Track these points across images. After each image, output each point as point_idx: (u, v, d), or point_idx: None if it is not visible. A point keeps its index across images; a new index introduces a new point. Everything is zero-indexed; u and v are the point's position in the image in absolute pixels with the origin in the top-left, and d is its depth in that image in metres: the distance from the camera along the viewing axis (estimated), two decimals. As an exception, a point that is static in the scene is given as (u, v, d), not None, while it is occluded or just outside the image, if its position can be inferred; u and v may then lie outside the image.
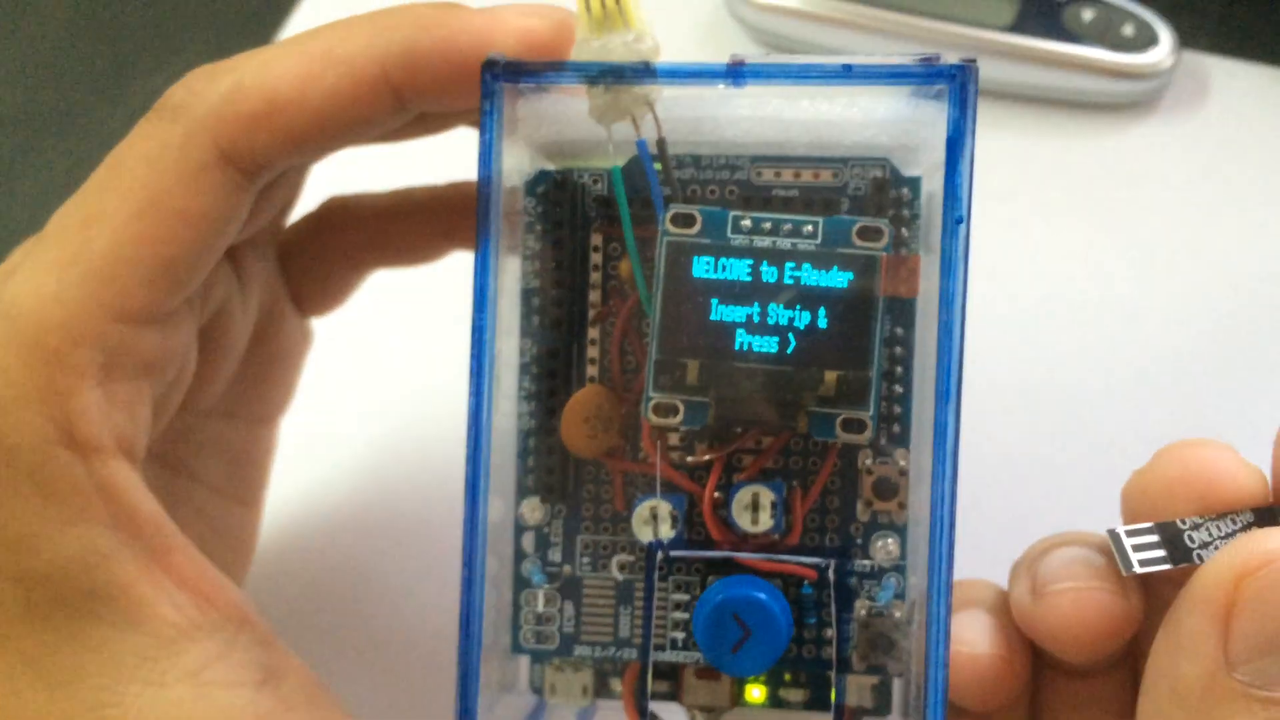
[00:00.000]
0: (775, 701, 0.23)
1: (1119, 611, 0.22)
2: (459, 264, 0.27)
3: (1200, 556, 0.20)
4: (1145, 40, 0.38)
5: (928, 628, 0.20)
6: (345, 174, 0.29)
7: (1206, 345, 0.36)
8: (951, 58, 0.40)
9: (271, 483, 0.31)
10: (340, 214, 0.29)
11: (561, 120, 0.22)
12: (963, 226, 0.20)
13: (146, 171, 0.22)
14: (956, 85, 0.20)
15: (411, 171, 0.29)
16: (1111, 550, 0.21)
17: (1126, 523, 0.22)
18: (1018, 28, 0.38)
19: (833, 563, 0.21)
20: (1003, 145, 0.39)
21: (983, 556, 0.24)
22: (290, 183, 0.25)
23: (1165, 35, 0.38)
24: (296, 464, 0.33)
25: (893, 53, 0.25)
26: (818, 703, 0.23)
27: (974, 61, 0.20)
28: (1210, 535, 0.21)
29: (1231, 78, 0.40)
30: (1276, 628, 0.19)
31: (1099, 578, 0.22)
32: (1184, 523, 0.21)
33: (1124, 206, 0.38)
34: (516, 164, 0.22)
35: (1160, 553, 0.21)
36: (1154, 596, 0.23)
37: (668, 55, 0.21)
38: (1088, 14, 0.38)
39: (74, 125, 0.23)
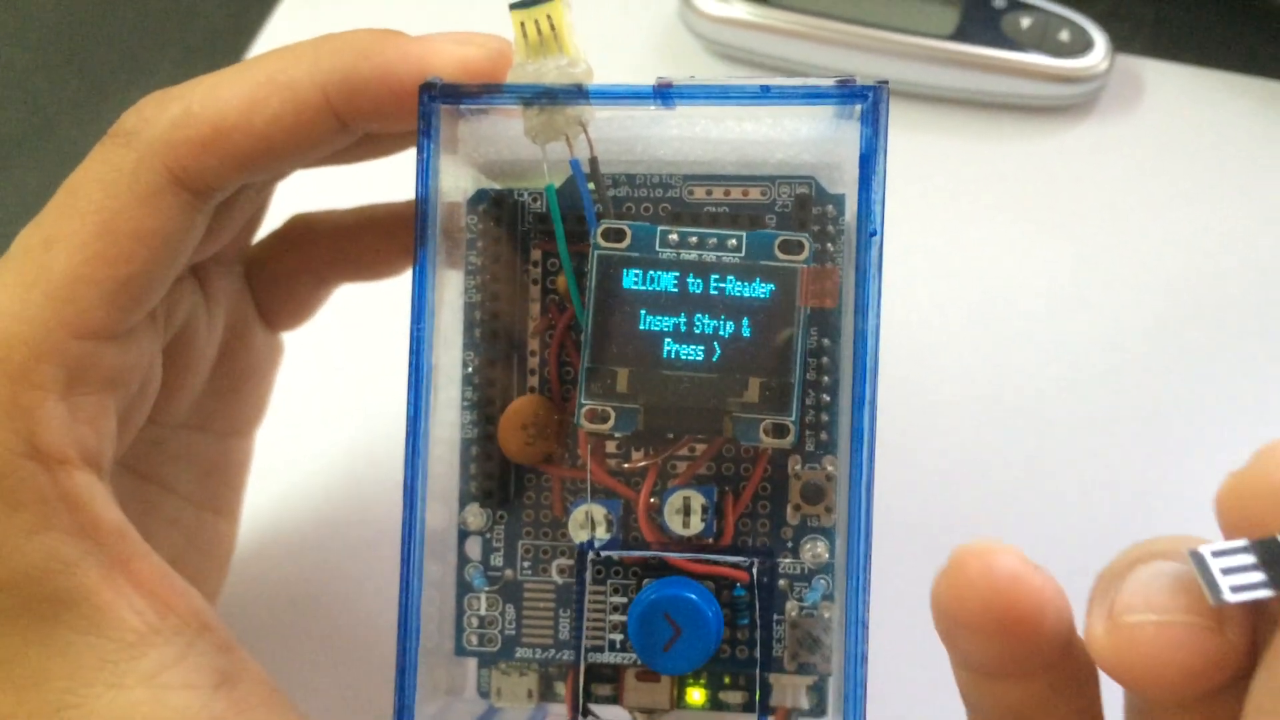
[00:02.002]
0: (715, 704, 0.24)
1: (1212, 650, 0.18)
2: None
3: None
4: (1081, 45, 0.39)
5: (846, 626, 0.21)
6: (312, 193, 0.31)
7: (1144, 339, 0.37)
8: (889, 70, 0.41)
9: (249, 492, 0.32)
10: (304, 231, 0.30)
11: (501, 141, 0.23)
12: (876, 239, 0.21)
13: (101, 195, 0.23)
14: (869, 104, 0.21)
15: (374, 190, 0.30)
16: (1196, 576, 0.17)
17: (1226, 538, 0.18)
18: (959, 35, 0.39)
19: (756, 561, 0.22)
20: (946, 148, 0.40)
21: (933, 558, 0.22)
22: (250, 202, 0.26)
23: (1100, 40, 0.40)
24: (273, 474, 0.34)
25: (835, 63, 0.25)
26: (758, 705, 0.24)
27: (885, 83, 0.21)
28: None
29: (1165, 79, 0.41)
30: None
31: (1187, 609, 0.18)
32: None
33: (1063, 205, 0.39)
34: (458, 182, 0.23)
35: (1259, 576, 0.17)
36: (1267, 621, 0.18)
37: (623, 68, 0.22)
38: (1026, 21, 0.40)
39: (45, 146, 0.24)
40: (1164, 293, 0.37)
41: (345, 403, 0.36)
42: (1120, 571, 0.19)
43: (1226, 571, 0.17)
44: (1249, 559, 0.17)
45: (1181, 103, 0.41)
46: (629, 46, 0.43)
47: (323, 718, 0.31)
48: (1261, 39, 0.42)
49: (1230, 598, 0.17)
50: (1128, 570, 0.19)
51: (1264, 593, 0.17)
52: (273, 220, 0.30)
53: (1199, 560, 0.17)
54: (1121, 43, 0.41)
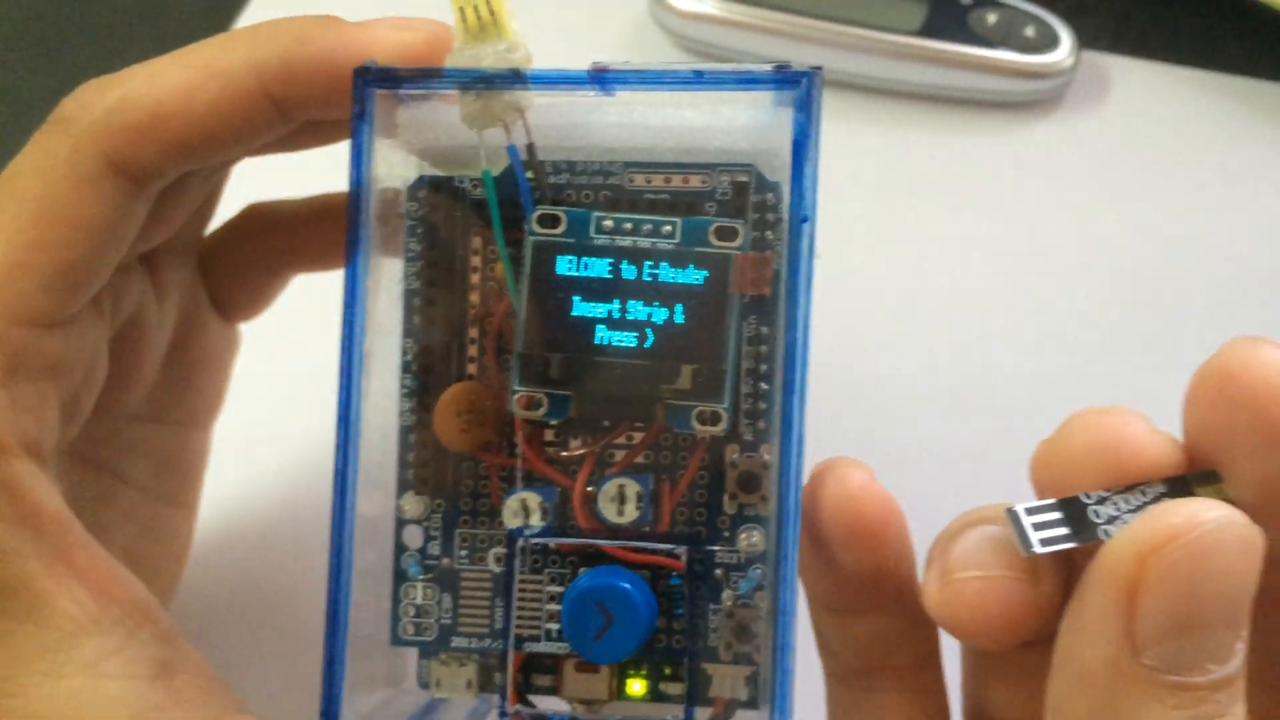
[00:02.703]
0: (656, 695, 0.24)
1: (1028, 601, 0.20)
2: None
3: (1106, 533, 0.19)
4: (1047, 41, 0.40)
5: (775, 615, 0.20)
6: (267, 183, 0.30)
7: (1108, 332, 0.37)
8: (856, 66, 0.41)
9: (209, 485, 0.32)
10: (258, 221, 0.30)
11: (441, 128, 0.23)
12: (808, 225, 0.20)
13: (39, 182, 0.23)
14: (802, 90, 0.21)
15: (328, 180, 0.30)
16: (1010, 531, 0.19)
17: (1038, 497, 0.20)
18: (926, 31, 0.40)
19: (686, 549, 0.22)
20: (912, 143, 0.40)
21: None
22: (196, 190, 0.26)
23: (1065, 36, 0.40)
24: (233, 466, 0.34)
25: (803, 58, 0.26)
26: (696, 696, 0.24)
27: (819, 69, 0.21)
28: (1118, 509, 0.19)
29: (1129, 75, 0.41)
30: (1185, 608, 0.17)
31: (1007, 565, 0.20)
32: (1089, 497, 0.19)
33: (1029, 200, 0.39)
34: (399, 169, 0.23)
35: (1063, 530, 0.19)
36: (1077, 575, 0.20)
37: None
38: (992, 17, 0.40)
39: (16, 139, 0.25)
40: (1128, 286, 0.37)
41: (305, 394, 0.36)
42: (952, 535, 0.21)
43: (1036, 527, 0.19)
44: (1056, 515, 0.19)
45: (1146, 98, 0.41)
46: (600, 43, 0.43)
47: (284, 708, 0.31)
48: (1226, 35, 0.42)
49: (1039, 549, 0.19)
50: (958, 534, 0.21)
51: (1068, 544, 0.19)
52: (228, 211, 0.30)
53: (1013, 517, 0.19)
54: (1087, 39, 0.41)
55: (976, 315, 0.37)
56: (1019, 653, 0.21)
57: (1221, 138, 0.40)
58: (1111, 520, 0.19)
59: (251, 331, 0.32)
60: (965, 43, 0.39)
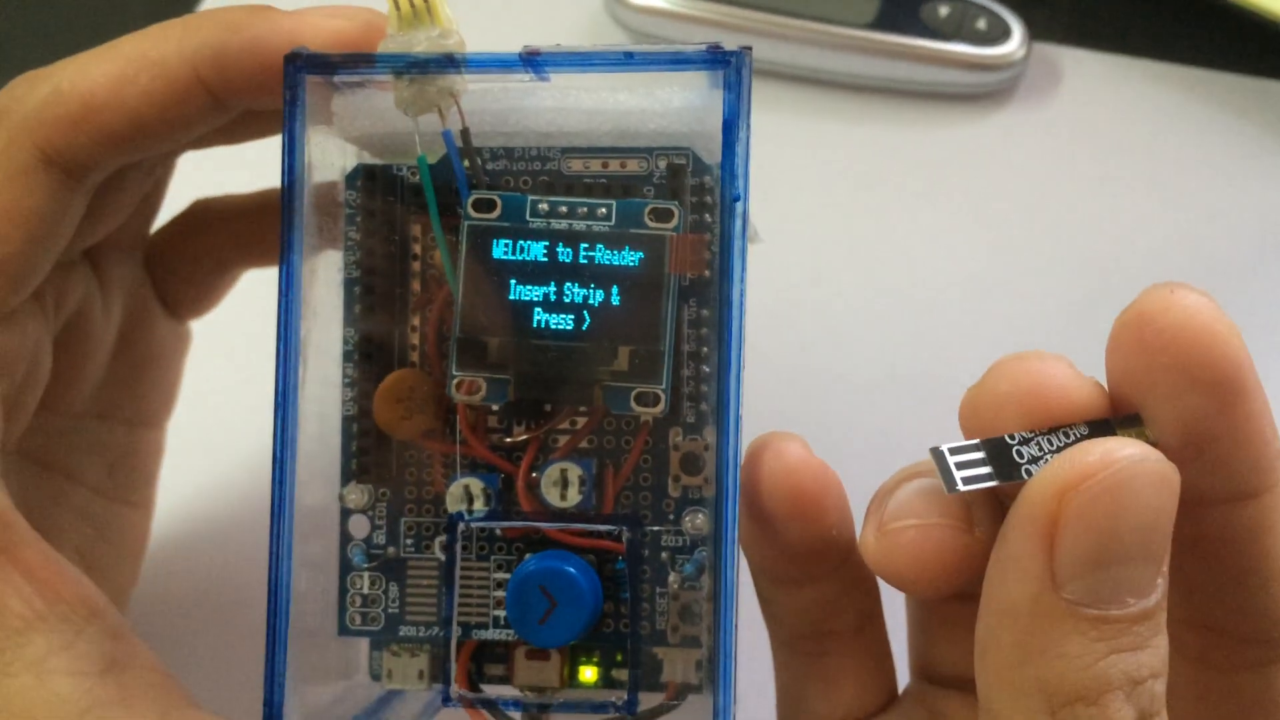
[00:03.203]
0: (608, 681, 0.24)
1: (963, 547, 0.20)
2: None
3: (1029, 472, 0.19)
4: (998, 33, 0.40)
5: (717, 597, 0.20)
6: (215, 179, 0.30)
7: (1060, 320, 0.37)
8: (810, 59, 0.41)
9: (166, 482, 0.32)
10: (205, 216, 0.30)
11: (377, 115, 0.23)
12: (740, 204, 0.20)
13: None
14: (732, 70, 0.21)
15: (276, 174, 0.30)
16: (935, 469, 0.20)
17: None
18: (879, 24, 0.40)
19: (624, 529, 0.22)
20: (866, 136, 0.41)
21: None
22: (137, 184, 0.26)
23: (1017, 28, 0.40)
24: (190, 464, 0.34)
25: (757, 52, 0.26)
26: (648, 682, 0.24)
27: (748, 48, 0.21)
28: (1040, 450, 0.19)
29: (1081, 66, 0.42)
30: (1102, 543, 0.18)
31: (942, 513, 0.21)
32: (1013, 438, 0.19)
33: (982, 191, 0.39)
34: (336, 158, 0.23)
35: (986, 469, 0.19)
36: None
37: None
38: (944, 10, 0.40)
39: None
40: (1079, 276, 0.38)
41: (260, 390, 0.36)
42: (889, 489, 0.21)
43: (960, 466, 0.19)
44: (979, 455, 0.19)
45: (1098, 89, 0.41)
46: (556, 38, 0.43)
47: (242, 704, 0.31)
48: (1176, 27, 0.42)
49: (962, 487, 0.19)
50: (895, 487, 0.21)
51: (990, 483, 0.19)
52: (175, 206, 0.30)
53: (938, 456, 0.19)
54: (1039, 31, 0.41)
55: (928, 302, 0.38)
56: (961, 606, 0.21)
57: (1172, 128, 0.40)
58: (1034, 460, 0.19)
59: (206, 328, 0.32)
60: (918, 35, 0.40)
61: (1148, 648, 0.18)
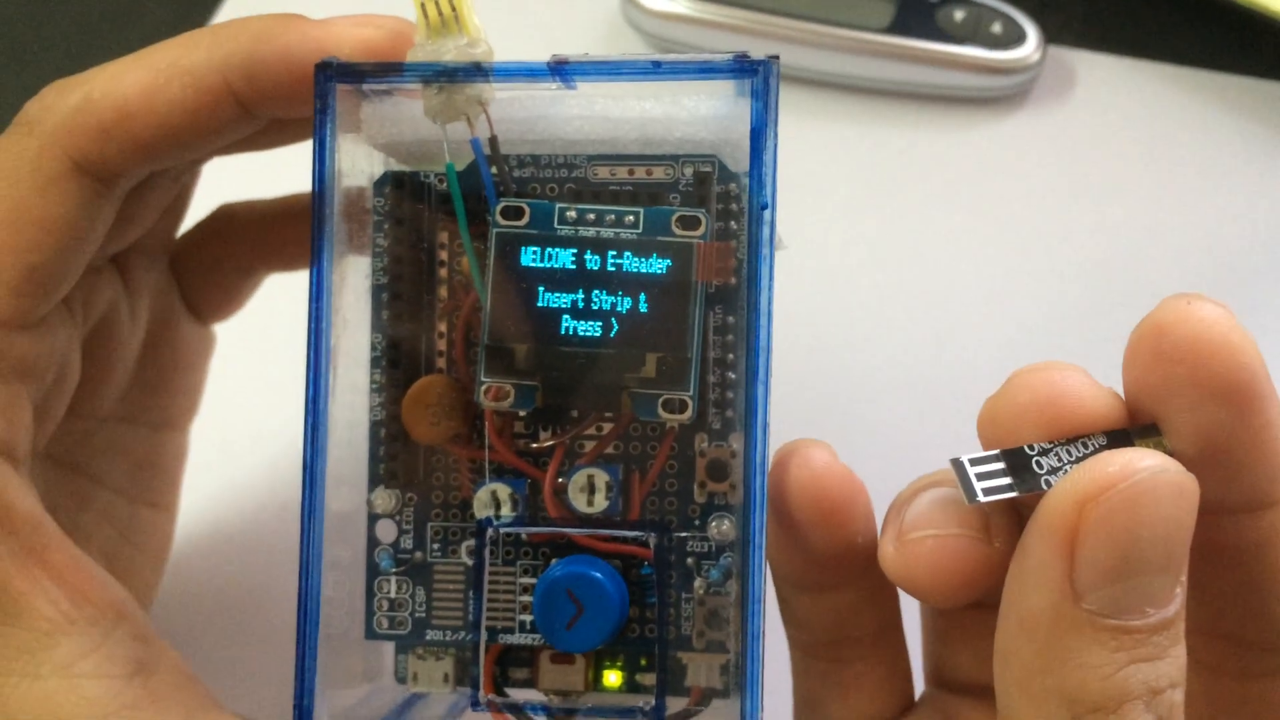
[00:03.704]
0: (632, 686, 0.24)
1: (982, 557, 0.20)
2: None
3: (1048, 483, 0.19)
4: (1014, 37, 0.40)
5: (745, 604, 0.21)
6: (241, 184, 0.31)
7: (1078, 322, 0.37)
8: (826, 63, 0.41)
9: (190, 485, 0.32)
10: (229, 221, 0.30)
11: (405, 123, 0.23)
12: (768, 212, 0.21)
13: (4, 184, 0.23)
14: (760, 79, 0.21)
15: (300, 179, 0.30)
16: (955, 480, 0.20)
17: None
18: (895, 28, 0.40)
19: (654, 537, 0.22)
20: (882, 139, 0.41)
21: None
22: (165, 191, 0.26)
23: (1032, 32, 0.40)
24: (214, 467, 0.34)
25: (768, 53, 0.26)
26: (673, 686, 0.24)
27: (776, 57, 0.21)
28: (1060, 460, 0.19)
29: (1095, 69, 0.42)
30: (1122, 554, 0.18)
31: (960, 524, 0.21)
32: (1032, 449, 0.19)
33: (997, 194, 0.39)
34: (364, 165, 0.23)
35: (1006, 480, 0.19)
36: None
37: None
38: (959, 14, 0.40)
39: None
40: (1096, 278, 0.38)
41: (283, 394, 0.36)
42: (907, 498, 0.21)
43: (980, 477, 0.19)
44: (999, 465, 0.19)
45: (1112, 93, 0.41)
46: (573, 43, 0.44)
47: (266, 707, 0.31)
48: (1190, 30, 0.42)
49: (983, 498, 0.19)
50: (913, 496, 0.21)
51: (1011, 494, 0.19)
52: (200, 212, 0.30)
53: (958, 467, 0.19)
54: (1053, 34, 0.41)
55: (945, 306, 0.38)
56: (977, 614, 0.22)
57: (1186, 130, 0.40)
58: (1054, 471, 0.19)
59: (231, 332, 0.32)
60: (933, 39, 0.40)
61: (1167, 657, 0.18)
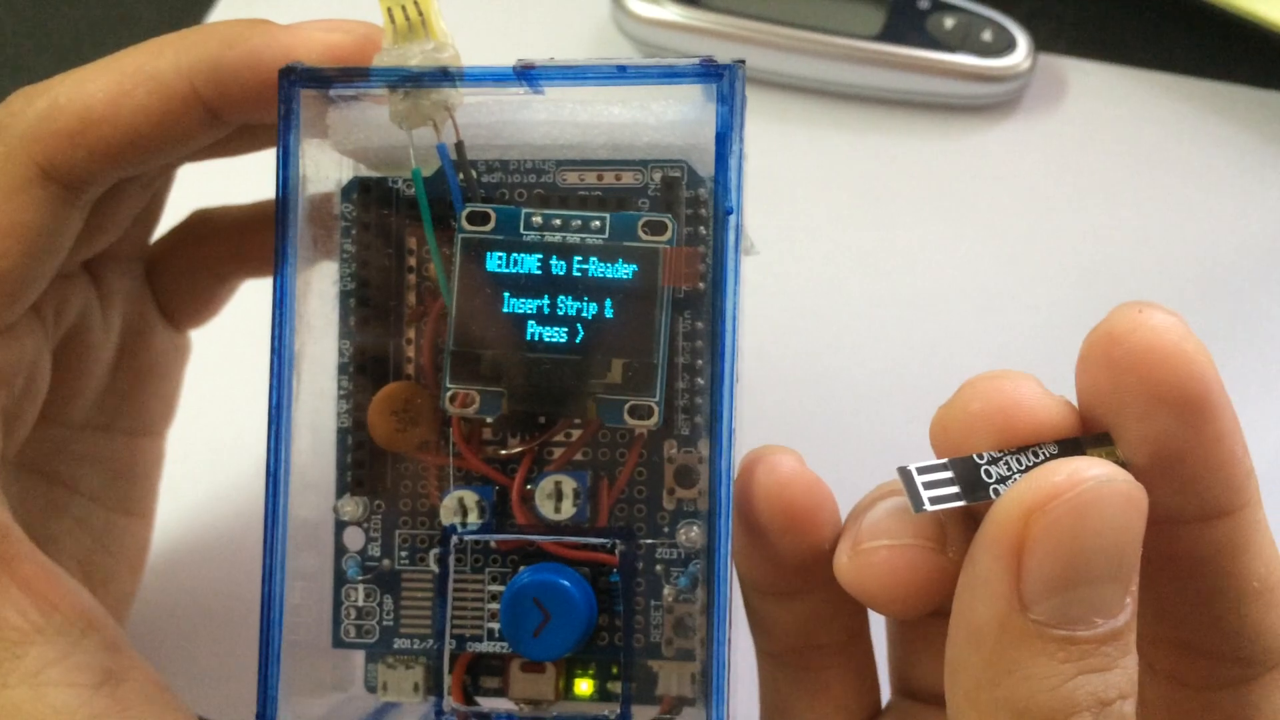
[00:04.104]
0: (604, 694, 0.24)
1: (936, 567, 0.20)
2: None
3: (996, 492, 0.19)
4: (1004, 45, 0.40)
5: (710, 611, 0.20)
6: (215, 190, 0.30)
7: (1064, 331, 0.36)
8: (816, 71, 0.41)
9: (166, 492, 0.32)
10: (203, 226, 0.30)
11: (372, 129, 0.23)
12: (732, 217, 0.20)
13: None
14: (725, 83, 0.21)
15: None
16: (902, 489, 0.19)
17: None
18: (885, 36, 0.40)
19: (621, 544, 0.22)
20: (872, 146, 0.41)
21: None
22: (135, 198, 0.26)
23: (1022, 40, 0.40)
24: (192, 474, 0.34)
25: (763, 63, 0.25)
26: (644, 695, 0.24)
27: (742, 62, 0.21)
28: (1009, 470, 0.19)
29: (1086, 77, 0.42)
30: (1069, 563, 0.18)
31: (915, 534, 0.20)
32: (981, 457, 0.19)
33: (987, 201, 0.39)
34: (331, 171, 0.23)
35: (954, 489, 0.19)
36: None
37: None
38: (949, 21, 0.40)
39: None
40: (1084, 287, 0.38)
41: (260, 400, 0.36)
42: (864, 508, 0.21)
43: (928, 485, 0.19)
44: (947, 475, 0.19)
45: (1102, 100, 0.41)
46: (562, 50, 0.44)
47: (245, 716, 0.31)
48: (1179, 37, 0.42)
49: (929, 507, 0.19)
50: (869, 506, 0.21)
51: (958, 503, 0.19)
52: (175, 218, 0.30)
53: (906, 476, 0.19)
54: (1044, 42, 0.41)
55: (933, 313, 0.37)
56: (938, 623, 0.21)
57: (1176, 138, 0.40)
58: (1003, 480, 0.19)
59: (207, 338, 0.32)
60: (924, 47, 0.40)
61: (1116, 668, 0.18)
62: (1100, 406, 0.19)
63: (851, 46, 0.40)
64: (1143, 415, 0.19)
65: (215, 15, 0.45)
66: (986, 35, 0.40)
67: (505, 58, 0.22)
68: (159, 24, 0.45)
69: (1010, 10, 0.41)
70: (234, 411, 0.36)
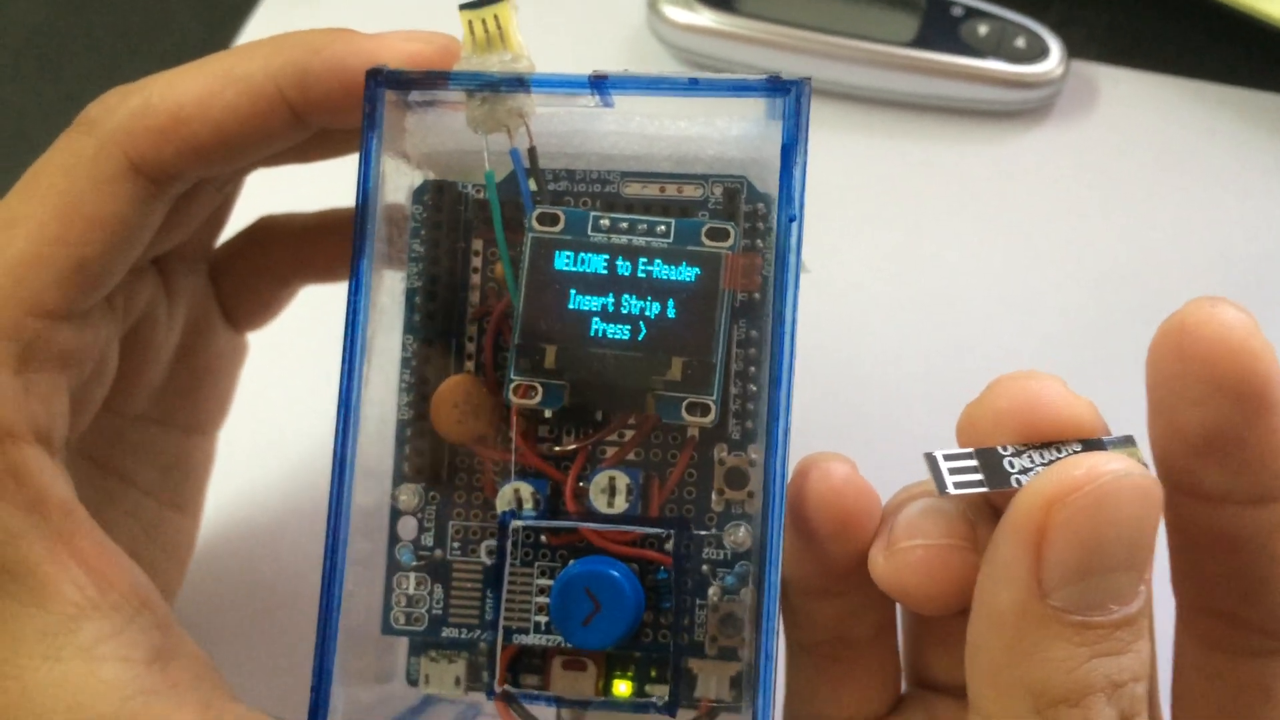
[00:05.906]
0: (640, 694, 0.24)
1: (970, 566, 0.21)
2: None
3: (1019, 482, 0.20)
4: (1037, 52, 0.40)
5: (759, 613, 0.21)
6: (280, 197, 0.32)
7: (1098, 335, 0.37)
8: (850, 76, 0.42)
9: (217, 490, 0.33)
10: (269, 232, 0.31)
11: (446, 134, 0.24)
12: (795, 224, 0.21)
13: (62, 180, 0.24)
14: (791, 98, 0.22)
15: (338, 194, 0.31)
16: (929, 473, 0.20)
17: None
18: (919, 42, 0.41)
19: (673, 534, 0.22)
20: (905, 152, 0.41)
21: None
22: (210, 199, 0.27)
23: (1055, 46, 0.41)
24: (237, 473, 0.34)
25: (798, 69, 0.26)
26: (682, 697, 0.24)
27: (809, 78, 0.22)
28: (1031, 462, 0.20)
29: (1118, 84, 0.42)
30: (1087, 553, 0.19)
31: (950, 534, 0.22)
32: (1005, 449, 0.20)
33: (1020, 207, 0.40)
34: (404, 179, 0.24)
35: (979, 476, 0.20)
36: None
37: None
38: (983, 28, 0.41)
39: (18, 153, 0.26)
40: (1117, 292, 0.38)
41: (307, 403, 0.37)
42: (896, 507, 0.22)
43: (953, 471, 0.20)
44: (972, 463, 0.20)
45: (1134, 107, 0.41)
46: (598, 54, 0.44)
47: (281, 704, 0.31)
48: (1213, 44, 0.43)
49: (953, 491, 0.20)
50: (902, 506, 0.22)
51: (981, 489, 0.20)
52: (241, 222, 0.31)
53: (931, 460, 0.20)
54: (1076, 49, 0.42)
55: (967, 318, 0.38)
56: (956, 619, 0.22)
57: (1209, 145, 0.40)
58: (1025, 471, 0.20)
59: (258, 341, 0.33)
60: (957, 53, 0.40)
61: (1129, 652, 0.19)
62: (1165, 390, 0.21)
63: (885, 52, 0.41)
64: (1203, 401, 0.20)
65: (255, 20, 0.45)
66: (1019, 42, 0.40)
67: (542, 65, 0.23)
68: (196, 28, 0.46)
69: (1042, 17, 0.42)
70: (276, 412, 0.36)
